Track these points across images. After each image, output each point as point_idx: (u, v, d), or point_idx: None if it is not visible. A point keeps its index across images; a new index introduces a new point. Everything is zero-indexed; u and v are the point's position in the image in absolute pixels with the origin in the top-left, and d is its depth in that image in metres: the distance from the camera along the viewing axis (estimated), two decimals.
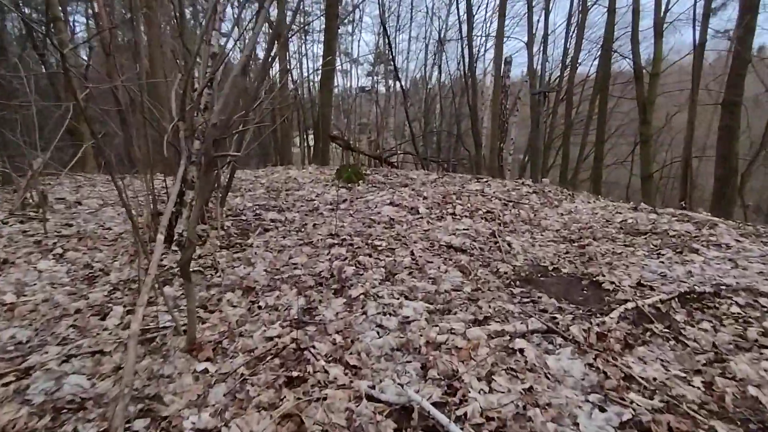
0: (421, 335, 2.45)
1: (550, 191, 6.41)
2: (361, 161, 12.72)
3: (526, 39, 14.66)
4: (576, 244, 4.25)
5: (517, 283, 3.30)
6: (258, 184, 7.48)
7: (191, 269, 3.37)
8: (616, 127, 19.05)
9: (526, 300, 2.99)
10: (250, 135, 6.31)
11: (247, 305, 2.93)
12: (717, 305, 2.84)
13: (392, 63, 16.85)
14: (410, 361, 2.24)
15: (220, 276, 3.38)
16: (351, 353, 2.30)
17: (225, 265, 3.59)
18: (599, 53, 15.05)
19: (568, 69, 17.02)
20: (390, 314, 2.71)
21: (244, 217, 4.83)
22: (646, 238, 4.27)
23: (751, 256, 3.69)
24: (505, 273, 3.47)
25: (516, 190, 6.31)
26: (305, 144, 19.99)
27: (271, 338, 2.50)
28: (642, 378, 2.13)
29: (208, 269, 3.51)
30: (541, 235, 4.63)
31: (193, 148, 3.58)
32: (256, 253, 3.82)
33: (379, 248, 3.89)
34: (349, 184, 6.67)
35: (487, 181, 6.96)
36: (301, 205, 5.51)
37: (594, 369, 2.20)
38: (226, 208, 5.08)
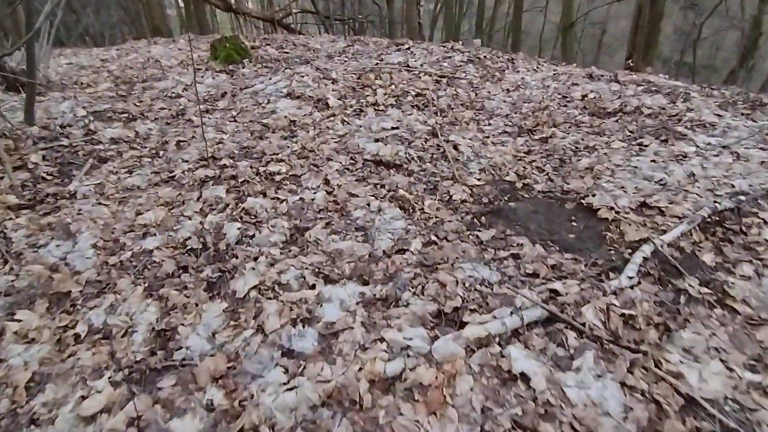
0: (359, 368, 1.45)
1: (486, 58, 5.21)
2: (249, 25, 10.28)
3: None
4: (537, 137, 3.28)
5: (482, 218, 2.32)
6: (105, 73, 5.41)
7: None
8: None
9: (501, 252, 2.04)
10: None
11: (53, 335, 1.69)
12: (744, 228, 2.11)
13: None
14: None
15: (11, 270, 2.01)
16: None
17: (23, 243, 2.18)
18: None
19: None
20: (304, 322, 1.65)
21: (66, 141, 3.18)
22: (618, 121, 3.40)
23: (743, 137, 2.99)
24: (462, 201, 2.46)
25: (447, 60, 5.03)
26: (178, 8, 16.12)
27: (91, 418, 1.37)
28: (707, 400, 1.36)
29: None
30: (489, 124, 3.59)
31: None
32: (80, 211, 2.40)
33: (277, 178, 2.65)
34: (230, 66, 4.93)
35: (409, 48, 5.55)
36: (162, 108, 3.86)
37: (637, 393, 1.39)
38: (37, 127, 3.35)
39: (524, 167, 2.84)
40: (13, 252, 2.14)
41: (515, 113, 3.78)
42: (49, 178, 2.76)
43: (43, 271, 2.00)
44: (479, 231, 2.19)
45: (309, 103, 3.73)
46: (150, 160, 2.97)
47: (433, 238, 2.12)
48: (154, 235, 2.21)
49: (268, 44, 6.34)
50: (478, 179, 2.72)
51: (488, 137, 3.35)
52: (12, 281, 1.97)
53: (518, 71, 4.86)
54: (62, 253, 2.13)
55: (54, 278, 1.96)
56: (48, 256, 2.10)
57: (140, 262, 2.02)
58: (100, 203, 2.48)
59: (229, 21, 13.40)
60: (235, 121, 3.49)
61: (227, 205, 2.39)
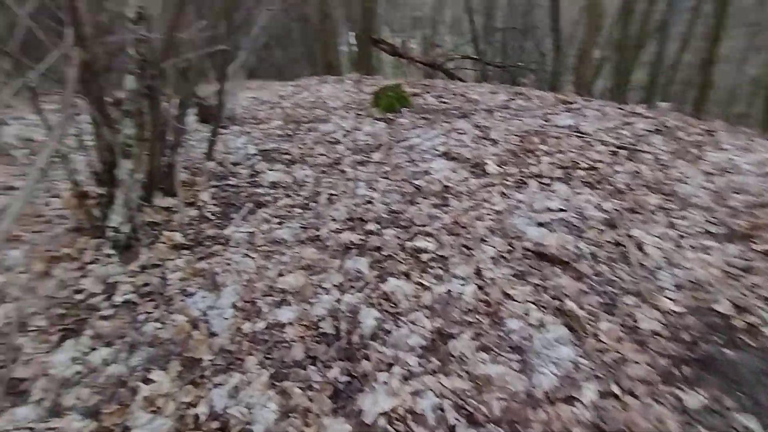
0: None
1: (677, 127, 4.40)
2: (410, 70, 10.63)
3: None
4: (758, 247, 2.51)
5: (684, 368, 1.74)
6: (279, 109, 5.91)
7: (116, 301, 2.08)
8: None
9: None
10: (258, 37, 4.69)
11: (177, 409, 1.62)
12: None
13: None
14: None
15: (159, 317, 2.06)
16: None
17: (176, 288, 2.26)
18: None
19: None
20: None
21: (234, 180, 3.40)
22: None
23: None
24: (653, 334, 1.90)
25: (626, 126, 4.36)
26: (349, 46, 17.60)
27: None
28: None
29: (147, 299, 2.20)
30: (684, 218, 2.89)
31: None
32: (229, 261, 2.44)
33: (424, 257, 2.39)
34: (390, 115, 4.97)
35: (579, 109, 4.99)
36: (321, 154, 3.97)
37: None
38: (214, 162, 3.66)
39: (743, 294, 2.14)
40: (166, 295, 2.21)
41: (721, 207, 3.00)
42: (212, 218, 2.91)
43: (185, 325, 2.00)
44: (681, 389, 1.62)
45: (465, 167, 3.46)
46: (301, 211, 2.97)
47: (614, 386, 1.62)
48: (290, 304, 2.10)
49: (428, 92, 6.32)
50: (674, 300, 2.11)
51: (683, 237, 2.68)
52: (158, 330, 2.00)
53: (722, 148, 3.97)
54: (206, 306, 2.13)
55: (192, 337, 1.94)
56: (193, 308, 2.11)
57: (271, 338, 1.91)
58: (248, 254, 2.50)
59: (393, 64, 14.12)
60: (387, 178, 3.38)
61: (367, 283, 2.19)
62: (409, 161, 3.63)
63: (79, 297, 2.21)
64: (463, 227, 2.67)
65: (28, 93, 2.18)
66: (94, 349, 1.92)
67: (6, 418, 1.60)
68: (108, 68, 2.39)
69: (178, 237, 2.63)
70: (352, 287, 2.18)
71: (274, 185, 3.35)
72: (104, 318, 2.08)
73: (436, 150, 3.78)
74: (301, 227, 2.77)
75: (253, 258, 2.46)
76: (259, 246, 2.59)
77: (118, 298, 2.18)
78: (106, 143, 2.44)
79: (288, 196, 3.19)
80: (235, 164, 3.68)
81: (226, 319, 2.03)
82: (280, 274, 2.31)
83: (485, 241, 2.55)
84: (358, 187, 3.21)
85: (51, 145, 1.95)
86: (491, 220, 2.76)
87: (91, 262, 2.45)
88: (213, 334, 1.96)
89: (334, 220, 2.81)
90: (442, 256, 2.41)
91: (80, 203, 2.58)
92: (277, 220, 2.86)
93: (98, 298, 2.20)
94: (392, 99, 5.16)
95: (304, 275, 2.29)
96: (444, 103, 5.58)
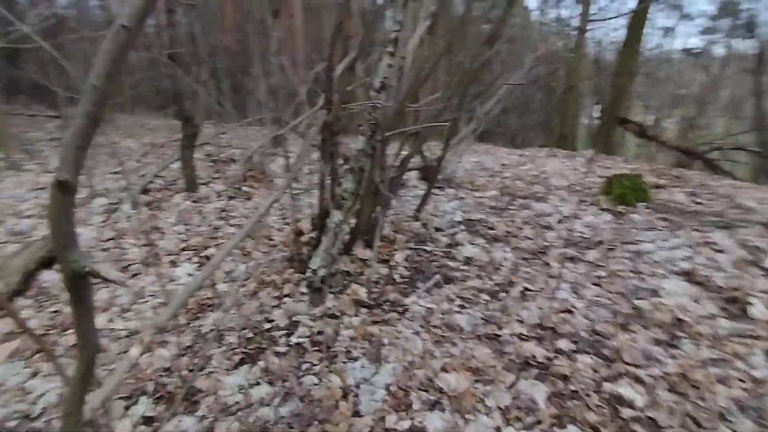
0: None
1: None
2: (659, 155, 9.22)
3: None
4: None
5: None
6: (498, 178, 5.80)
7: (292, 341, 2.20)
8: None
9: None
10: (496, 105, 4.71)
11: None
12: None
13: (746, 14, 11.54)
14: None
15: (313, 376, 2.08)
16: None
17: (342, 346, 2.26)
18: None
19: None
20: None
21: (430, 246, 3.36)
22: None
23: None
24: None
25: None
26: (591, 119, 16.55)
27: None
28: None
29: (316, 348, 2.25)
30: None
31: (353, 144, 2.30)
32: (399, 334, 2.34)
33: (625, 413, 1.81)
34: (620, 207, 4.26)
35: None
36: (528, 236, 3.62)
37: None
38: (420, 223, 3.71)
39: None
40: (332, 350, 2.24)
41: None
42: (398, 281, 2.90)
43: (337, 392, 1.96)
44: None
45: (714, 299, 2.62)
46: (488, 299, 2.70)
47: None
48: (443, 410, 1.85)
49: (677, 185, 5.28)
50: None
51: None
52: (314, 385, 2.01)
53: None
54: (362, 377, 2.06)
55: (338, 408, 1.87)
56: (350, 375, 2.07)
57: None
58: (419, 333, 2.36)
59: (639, 143, 12.59)
60: (599, 285, 2.82)
61: (539, 422, 1.77)
62: (632, 271, 2.97)
63: (267, 326, 2.43)
64: (695, 387, 1.97)
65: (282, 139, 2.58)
66: (258, 384, 2.03)
67: (173, 423, 1.80)
68: (344, 129, 2.66)
69: (362, 293, 2.69)
70: (519, 420, 1.78)
71: (468, 261, 3.17)
72: (278, 354, 2.22)
73: (675, 265, 3.01)
74: (483, 319, 2.49)
75: (423, 339, 2.31)
76: (432, 326, 2.42)
77: (294, 339, 2.31)
78: (327, 193, 2.70)
79: (479, 277, 2.97)
80: (437, 229, 3.66)
81: (376, 402, 1.90)
82: (444, 369, 2.08)
83: (726, 419, 1.80)
84: (561, 288, 2.76)
85: (282, 186, 2.22)
86: (743, 389, 1.96)
87: (287, 295, 2.70)
88: (357, 414, 1.85)
89: (521, 321, 2.44)
90: (652, 420, 1.79)
91: (296, 239, 2.90)
92: (460, 303, 2.66)
93: (280, 332, 2.38)
94: (627, 189, 4.46)
95: (468, 379, 2.01)
96: (697, 203, 4.55)
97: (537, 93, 15.75)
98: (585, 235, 3.62)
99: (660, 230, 3.69)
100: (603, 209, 4.26)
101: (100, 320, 2.53)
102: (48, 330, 2.49)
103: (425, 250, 3.30)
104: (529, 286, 2.81)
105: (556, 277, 2.85)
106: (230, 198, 4.54)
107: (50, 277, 2.95)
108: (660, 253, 3.21)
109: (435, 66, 2.55)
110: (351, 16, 2.65)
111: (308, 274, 2.70)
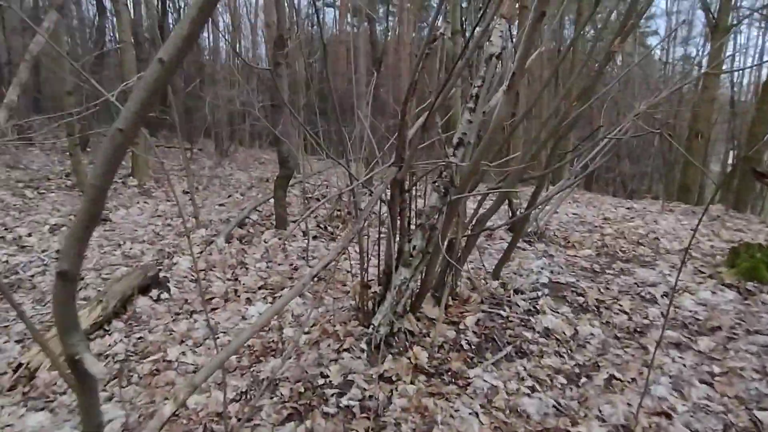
0: None
1: None
2: None
3: None
4: None
5: None
6: (596, 234, 5.29)
7: (342, 403, 2.11)
8: None
9: None
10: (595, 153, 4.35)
11: None
12: None
13: None
14: None
15: None
16: None
17: (394, 415, 2.11)
18: None
19: None
20: None
21: (506, 311, 3.08)
22: None
23: None
24: None
25: None
26: (723, 168, 14.67)
27: None
28: None
29: (364, 415, 2.13)
30: None
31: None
32: (455, 413, 2.12)
33: None
34: (748, 284, 3.56)
35: None
36: (624, 310, 3.16)
37: None
38: (498, 283, 3.46)
39: None
40: (380, 421, 2.10)
41: None
42: (465, 348, 2.69)
43: None
44: None
45: None
46: (564, 383, 2.37)
47: None
48: None
49: None
50: None
51: None
52: None
53: None
54: None
55: None
56: None
57: None
58: (478, 415, 2.12)
59: None
60: (711, 385, 2.33)
61: None
62: (757, 371, 2.43)
63: (321, 381, 2.38)
64: None
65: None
66: None
67: None
68: (416, 185, 2.59)
69: (423, 357, 2.53)
70: None
71: (547, 333, 2.85)
72: (325, 416, 2.14)
73: None
74: (555, 407, 2.18)
75: (481, 423, 2.07)
76: (494, 407, 2.18)
77: (344, 401, 2.22)
78: (394, 249, 2.62)
79: (558, 354, 2.64)
80: (517, 291, 3.38)
81: None
82: None
83: None
84: (659, 382, 2.33)
85: (347, 237, 2.20)
86: None
87: (347, 349, 2.63)
88: None
89: (601, 420, 2.09)
90: None
91: (363, 292, 2.85)
92: (531, 383, 2.37)
93: (332, 390, 2.30)
94: (758, 262, 3.75)
95: None
96: None
97: (655, 137, 14.45)
98: (698, 317, 3.07)
99: None
100: (725, 285, 3.61)
101: (173, 352, 2.69)
102: (129, 355, 2.70)
103: (500, 314, 3.05)
104: (618, 374, 2.42)
105: (654, 367, 2.42)
106: (314, 238, 4.69)
107: (143, 303, 3.24)
108: None
109: (517, 124, 2.39)
110: (427, 73, 2.63)
111: (370, 329, 2.63)
